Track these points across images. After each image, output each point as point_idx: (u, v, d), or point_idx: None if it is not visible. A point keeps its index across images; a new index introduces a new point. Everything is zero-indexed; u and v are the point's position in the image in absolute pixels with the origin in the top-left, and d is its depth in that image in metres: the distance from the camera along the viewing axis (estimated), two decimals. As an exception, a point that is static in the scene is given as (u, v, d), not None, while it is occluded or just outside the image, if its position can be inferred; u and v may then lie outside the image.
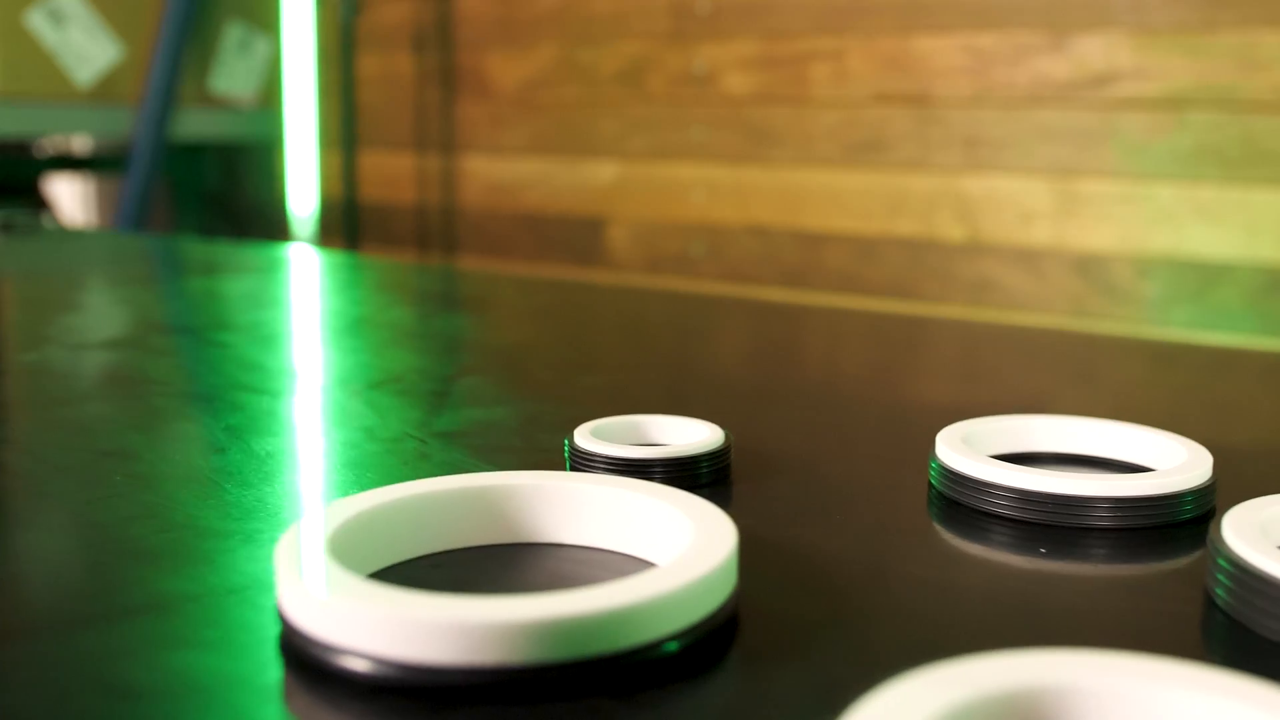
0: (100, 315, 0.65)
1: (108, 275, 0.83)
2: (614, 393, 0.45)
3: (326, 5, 2.24)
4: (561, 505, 0.26)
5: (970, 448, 0.31)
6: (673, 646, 0.20)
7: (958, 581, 0.25)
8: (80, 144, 2.51)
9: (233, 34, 2.34)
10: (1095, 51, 1.42)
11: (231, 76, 2.36)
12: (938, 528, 0.29)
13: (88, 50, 2.18)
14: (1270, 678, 0.20)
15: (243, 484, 0.32)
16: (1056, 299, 1.47)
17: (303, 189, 2.32)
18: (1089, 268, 1.45)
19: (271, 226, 2.36)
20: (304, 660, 0.20)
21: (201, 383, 0.47)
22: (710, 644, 0.21)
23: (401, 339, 0.59)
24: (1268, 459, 0.37)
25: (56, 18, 2.15)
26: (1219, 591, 0.23)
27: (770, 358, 0.57)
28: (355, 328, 0.61)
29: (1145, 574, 0.26)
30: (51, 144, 2.45)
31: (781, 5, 1.65)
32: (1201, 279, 1.39)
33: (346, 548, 0.23)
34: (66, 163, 2.48)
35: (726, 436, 0.32)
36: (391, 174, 2.16)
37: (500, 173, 2.00)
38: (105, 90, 2.19)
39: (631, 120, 1.82)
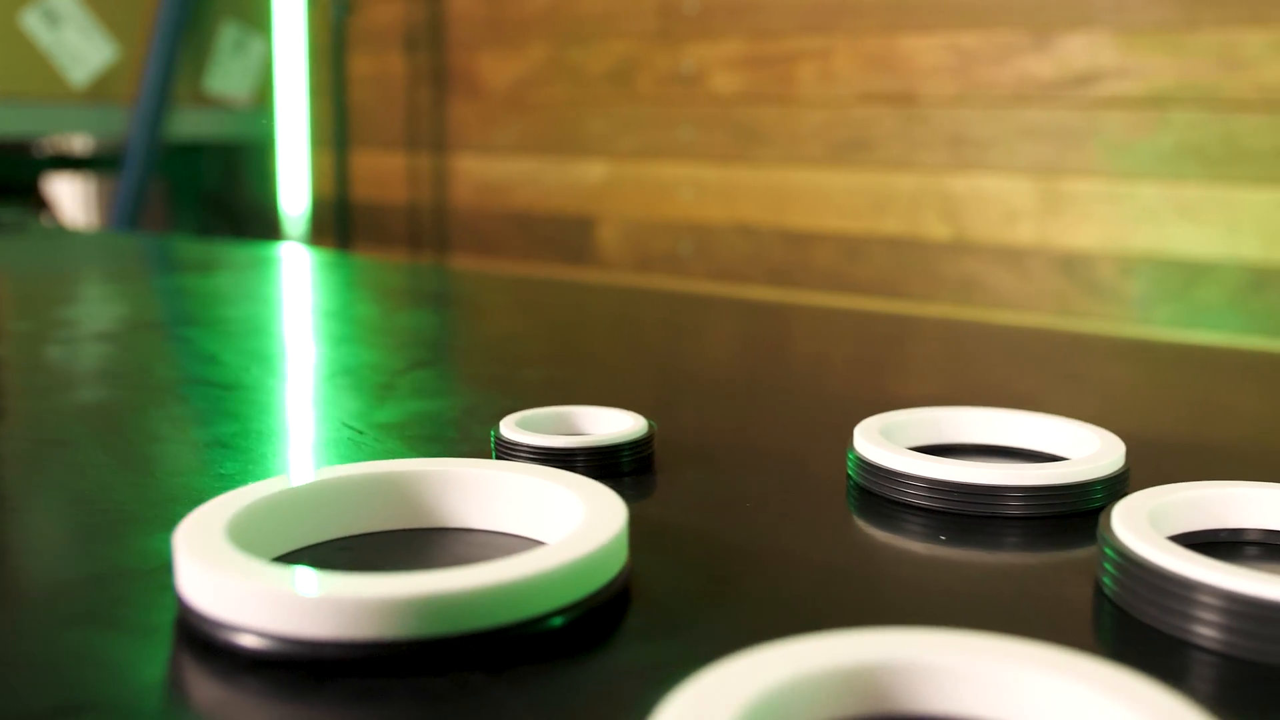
0: (68, 310, 0.65)
1: (87, 272, 0.84)
2: (557, 385, 0.45)
3: (318, 6, 2.24)
4: (469, 491, 0.26)
5: (887, 439, 0.32)
6: (557, 622, 0.21)
7: (851, 567, 0.26)
8: (80, 144, 2.52)
9: (228, 34, 2.35)
10: (1078, 51, 1.42)
11: (227, 76, 2.37)
12: (850, 516, 0.29)
13: (82, 50, 2.19)
14: (1150, 665, 0.21)
15: (174, 472, 0.32)
16: (1041, 298, 1.48)
17: (294, 188, 2.33)
18: (1073, 266, 1.46)
19: (268, 226, 2.37)
20: (194, 636, 0.21)
21: (156, 376, 0.47)
22: (597, 621, 0.22)
23: (363, 334, 0.59)
24: (1190, 451, 0.38)
25: (51, 18, 2.16)
26: (1105, 580, 0.23)
27: (723, 353, 0.58)
28: (319, 323, 0.62)
29: (1043, 561, 0.26)
30: (51, 144, 2.46)
31: (768, 5, 1.65)
32: (1184, 277, 1.39)
33: (249, 531, 0.23)
34: (66, 163, 2.49)
35: (650, 426, 0.33)
36: (384, 173, 2.17)
37: (491, 172, 2.01)
38: (100, 90, 2.20)
39: (620, 120, 1.82)
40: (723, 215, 1.73)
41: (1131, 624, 0.22)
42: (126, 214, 2.18)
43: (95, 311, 0.65)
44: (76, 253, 0.99)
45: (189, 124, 2.29)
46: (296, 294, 0.76)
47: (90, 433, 0.36)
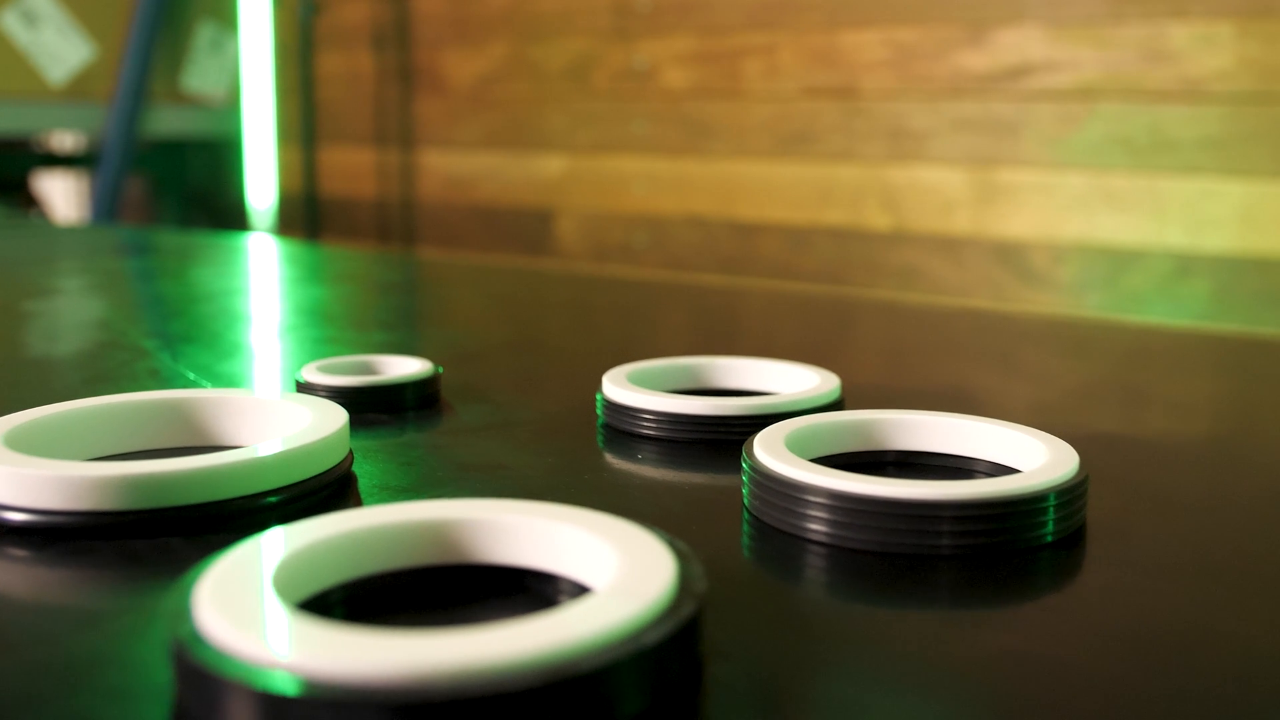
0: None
1: (35, 261, 0.88)
2: (398, 346, 0.50)
3: (285, 5, 2.29)
4: (226, 413, 0.31)
5: (632, 383, 0.36)
6: (272, 500, 0.26)
7: (554, 478, 0.30)
8: (70, 141, 2.57)
9: (205, 33, 2.39)
10: (1011, 45, 1.47)
11: (204, 75, 2.41)
12: (599, 450, 0.34)
13: (60, 50, 2.23)
14: (774, 560, 0.25)
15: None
16: (977, 286, 1.52)
17: (263, 184, 2.37)
18: (1007, 255, 1.50)
19: (247, 220, 2.41)
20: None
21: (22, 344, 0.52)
22: (304, 503, 0.26)
23: (244, 306, 0.64)
24: (919, 396, 0.42)
25: (29, 18, 2.20)
26: (744, 491, 0.27)
27: (554, 325, 0.62)
28: (209, 298, 0.66)
29: (723, 482, 0.30)
30: (40, 142, 2.50)
31: (716, 3, 1.70)
32: (1113, 265, 1.44)
33: (23, 440, 0.28)
34: (55, 160, 2.53)
35: (436, 370, 0.37)
36: (353, 168, 2.21)
37: (455, 166, 2.05)
38: (79, 88, 2.24)
39: (578, 115, 1.87)
40: (675, 207, 1.77)
41: (764, 528, 0.26)
42: (104, 209, 2.22)
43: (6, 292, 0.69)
44: (39, 244, 1.03)
45: (167, 121, 2.34)
46: (225, 273, 0.81)
47: (-42, 382, 0.41)
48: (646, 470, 0.31)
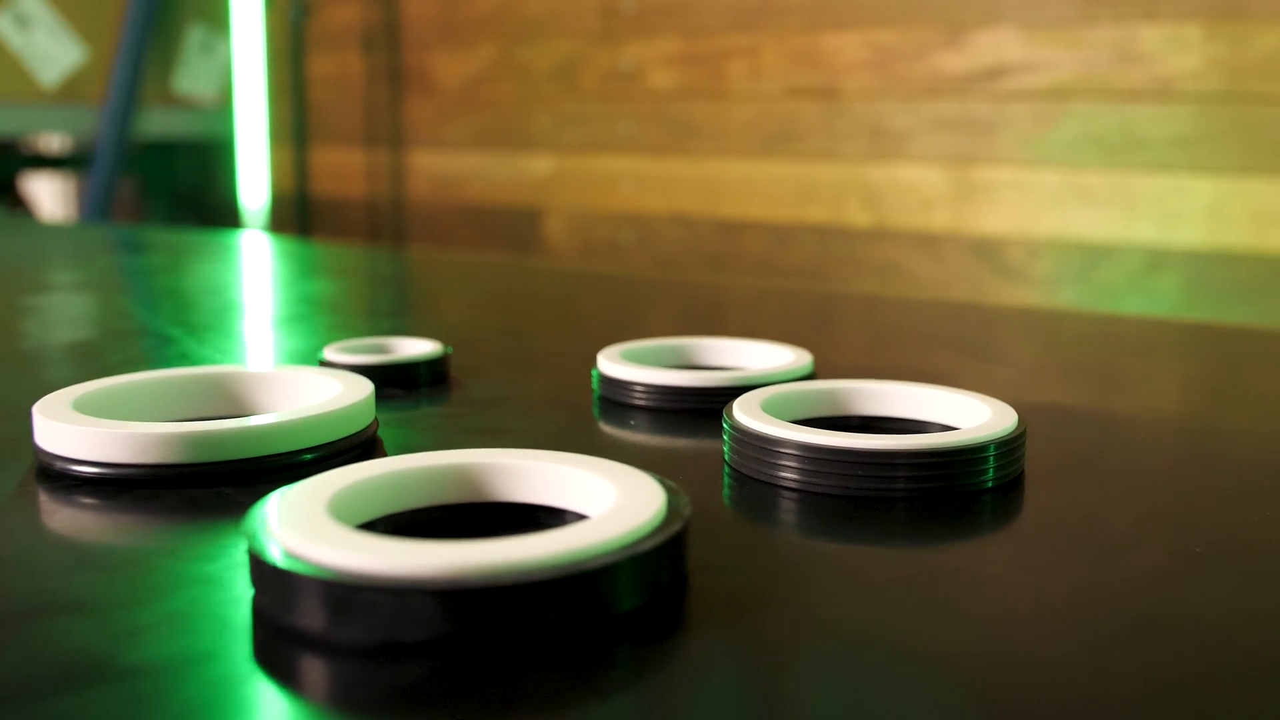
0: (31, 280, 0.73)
1: (40, 258, 0.92)
2: (403, 332, 0.53)
3: (276, 8, 2.32)
4: (273, 387, 0.34)
5: (627, 359, 0.39)
6: (308, 457, 0.29)
7: (557, 440, 0.34)
8: (57, 143, 2.60)
9: (195, 36, 2.42)
10: (987, 46, 1.51)
11: (195, 77, 2.44)
12: (595, 418, 0.37)
13: (52, 52, 2.26)
14: (750, 505, 0.28)
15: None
16: (956, 281, 1.56)
17: (255, 184, 2.40)
18: (985, 250, 1.54)
19: (238, 221, 2.44)
20: (41, 468, 0.29)
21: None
22: (339, 460, 0.30)
23: (254, 298, 0.67)
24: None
25: (21, 21, 2.23)
26: (725, 448, 0.31)
27: (568, 314, 0.66)
28: (219, 291, 0.70)
29: (705, 444, 0.34)
30: (28, 143, 2.53)
31: (701, 4, 1.73)
32: (1086, 259, 1.48)
33: (89, 405, 0.31)
34: (43, 161, 2.56)
35: (446, 350, 0.41)
36: (343, 168, 2.25)
37: (444, 166, 2.09)
38: (70, 90, 2.27)
39: (565, 115, 1.90)
40: (661, 205, 1.81)
41: (742, 478, 0.30)
42: (96, 209, 2.25)
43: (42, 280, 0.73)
44: (43, 242, 1.06)
45: (158, 123, 2.37)
46: (230, 268, 0.84)
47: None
48: (638, 434, 0.35)
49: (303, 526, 0.20)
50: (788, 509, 0.27)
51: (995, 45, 1.50)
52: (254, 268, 0.85)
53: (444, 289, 0.76)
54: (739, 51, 1.70)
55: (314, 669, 0.19)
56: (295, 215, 2.29)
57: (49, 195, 2.88)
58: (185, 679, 0.18)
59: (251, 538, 0.20)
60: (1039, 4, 1.46)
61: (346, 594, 0.19)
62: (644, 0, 1.79)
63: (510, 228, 2.00)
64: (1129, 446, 0.34)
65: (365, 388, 0.32)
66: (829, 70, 1.63)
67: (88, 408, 0.30)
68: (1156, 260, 1.43)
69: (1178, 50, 1.38)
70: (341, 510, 0.22)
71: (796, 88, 1.65)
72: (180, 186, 2.63)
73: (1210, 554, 0.24)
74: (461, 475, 0.25)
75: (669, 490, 0.23)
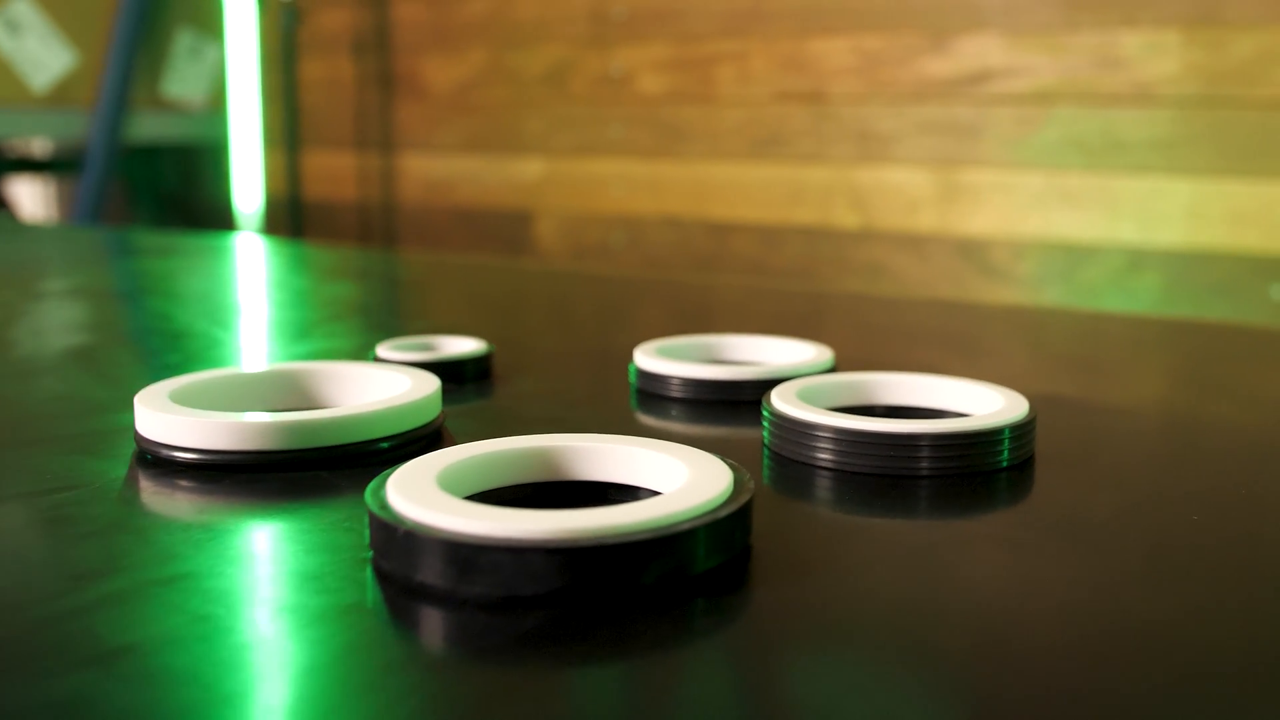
0: (45, 285, 0.75)
1: (48, 262, 0.94)
2: (438, 331, 0.56)
3: (269, 13, 2.34)
4: (347, 382, 0.37)
5: (663, 354, 0.43)
6: (385, 444, 0.32)
7: (604, 429, 0.37)
8: (39, 147, 2.61)
9: (183, 40, 2.44)
10: (972, 52, 1.54)
11: (183, 81, 2.46)
12: (636, 409, 0.40)
13: (43, 58, 2.28)
14: (789, 482, 0.31)
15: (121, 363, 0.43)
16: (941, 281, 1.60)
17: (248, 187, 2.43)
18: (970, 251, 1.58)
19: (225, 224, 2.46)
20: (144, 454, 0.32)
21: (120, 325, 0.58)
22: (414, 448, 0.33)
23: (282, 300, 0.70)
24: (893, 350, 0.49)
25: (12, 27, 2.25)
26: (764, 433, 0.34)
27: (592, 313, 0.69)
28: (247, 294, 0.72)
29: (743, 431, 0.37)
30: (10, 147, 2.54)
31: (690, 10, 1.77)
32: (1069, 259, 1.51)
33: (188, 396, 0.34)
34: (25, 165, 2.58)
35: (490, 348, 0.44)
36: (334, 172, 2.27)
37: (436, 170, 2.11)
38: (61, 95, 2.28)
39: (556, 119, 1.93)
40: (651, 208, 1.84)
41: (782, 459, 0.33)
42: (88, 212, 2.27)
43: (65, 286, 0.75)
44: (48, 244, 1.09)
45: (147, 127, 2.39)
46: (246, 272, 0.87)
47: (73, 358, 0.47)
48: (678, 424, 0.38)
49: (425, 499, 0.23)
50: (824, 486, 0.31)
51: (979, 51, 1.54)
52: (273, 271, 0.88)
53: (458, 291, 0.79)
54: (728, 56, 1.74)
55: (443, 620, 0.22)
56: (288, 218, 2.32)
57: (29, 198, 2.90)
58: (341, 625, 0.21)
59: (379, 509, 0.23)
60: (1022, 10, 1.50)
61: (473, 554, 0.22)
62: (634, 6, 1.82)
63: (501, 230, 2.03)
64: (1127, 432, 0.38)
65: (433, 382, 0.35)
66: (817, 75, 1.66)
67: (183, 400, 0.33)
68: (1137, 260, 1.47)
69: (1157, 56, 1.42)
70: (448, 487, 0.25)
71: (785, 92, 1.69)
72: (165, 190, 2.65)
73: (1204, 521, 0.28)
74: (544, 457, 0.28)
75: (733, 468, 0.26)
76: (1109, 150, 1.47)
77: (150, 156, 2.53)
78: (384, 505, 0.24)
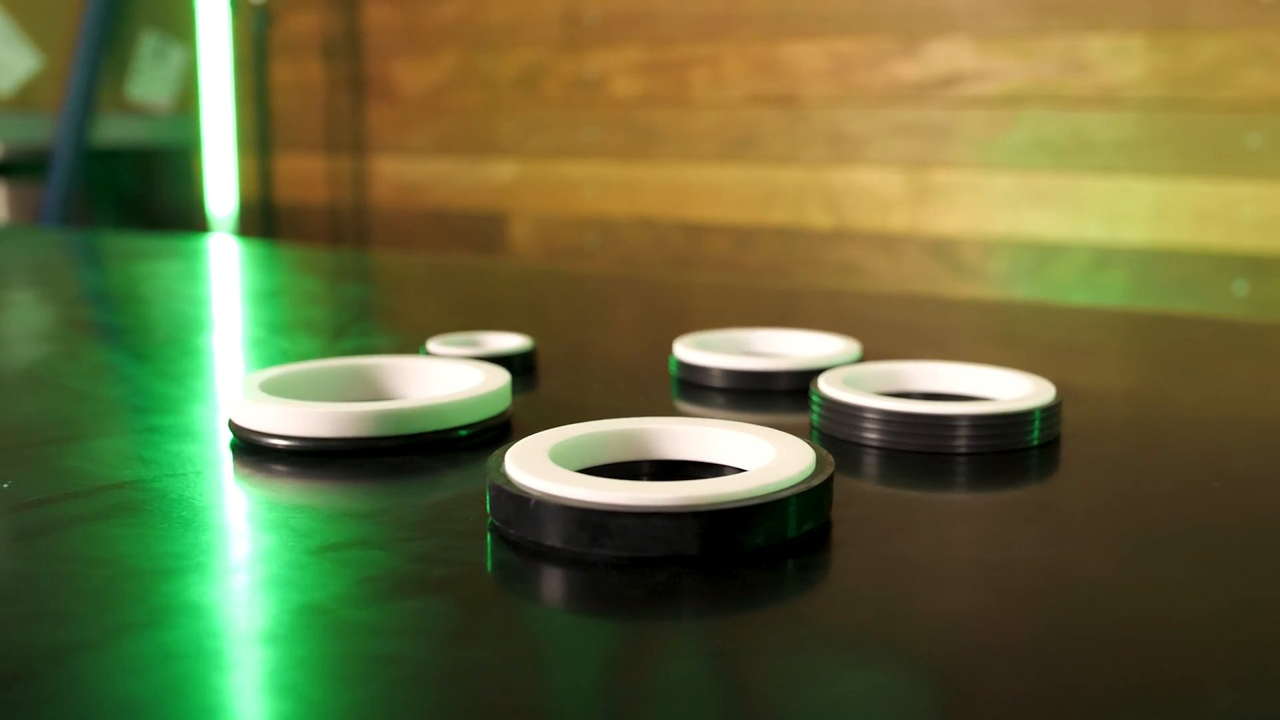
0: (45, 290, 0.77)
1: (46, 267, 0.95)
2: (469, 327, 0.58)
3: (240, 17, 2.35)
4: (406, 374, 0.40)
5: (701, 347, 0.45)
6: (463, 432, 0.35)
7: (652, 413, 0.39)
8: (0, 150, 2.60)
9: (148, 43, 2.44)
10: (942, 56, 1.58)
11: (148, 84, 2.46)
12: (680, 398, 0.43)
13: (7, 61, 2.27)
14: (848, 459, 0.34)
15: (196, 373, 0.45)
16: (913, 279, 1.63)
17: (222, 190, 2.43)
18: (941, 250, 1.61)
19: (191, 227, 2.47)
20: (240, 440, 0.34)
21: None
22: (489, 436, 0.35)
23: (304, 301, 0.72)
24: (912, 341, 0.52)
25: (-24, 30, 2.24)
26: (813, 417, 0.37)
27: (615, 308, 0.72)
28: (265, 296, 0.74)
29: (787, 418, 0.40)
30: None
31: (664, 15, 1.79)
32: (1038, 257, 1.55)
33: (274, 387, 0.36)
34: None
35: (534, 344, 0.47)
36: (305, 175, 2.28)
37: (408, 172, 2.13)
38: (25, 98, 2.28)
39: (529, 122, 1.96)
40: (625, 209, 1.87)
41: (832, 440, 0.36)
42: (54, 215, 2.27)
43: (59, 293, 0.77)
44: (47, 251, 1.10)
45: (112, 130, 2.38)
46: (255, 276, 0.89)
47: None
48: (723, 411, 0.40)
49: (551, 474, 0.26)
50: (872, 464, 0.33)
51: (950, 55, 1.57)
52: (281, 275, 0.90)
53: (462, 291, 0.82)
54: (701, 60, 1.77)
55: (576, 579, 0.24)
56: (260, 221, 2.32)
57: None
58: (485, 587, 0.23)
59: (505, 482, 0.26)
60: (991, 15, 1.54)
61: (604, 519, 0.24)
62: (607, 10, 1.85)
63: (475, 232, 2.05)
64: (1139, 415, 0.41)
65: (503, 375, 0.37)
66: (790, 78, 1.69)
67: (273, 391, 0.36)
68: (1104, 257, 1.51)
69: (1122, 60, 1.46)
70: (560, 463, 0.28)
71: (758, 95, 1.72)
72: (125, 192, 2.65)
73: (1225, 486, 0.31)
74: (640, 437, 0.30)
75: (812, 446, 0.29)
76: (1076, 151, 1.51)
77: (110, 159, 2.53)
78: (509, 479, 0.26)
